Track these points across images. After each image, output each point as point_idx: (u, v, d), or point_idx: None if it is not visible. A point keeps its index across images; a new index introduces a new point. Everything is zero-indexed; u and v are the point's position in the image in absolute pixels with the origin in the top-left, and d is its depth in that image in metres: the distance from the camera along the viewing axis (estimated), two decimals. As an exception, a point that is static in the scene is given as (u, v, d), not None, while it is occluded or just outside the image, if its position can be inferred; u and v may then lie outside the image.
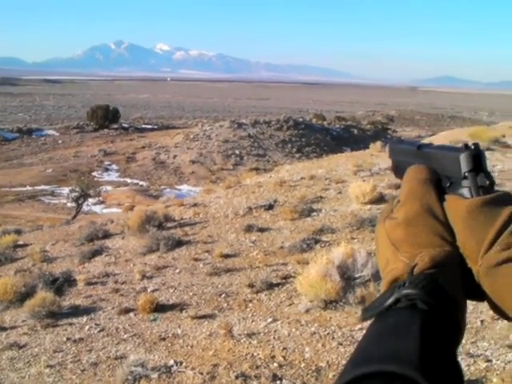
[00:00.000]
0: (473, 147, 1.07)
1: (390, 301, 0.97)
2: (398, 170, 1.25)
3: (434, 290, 0.96)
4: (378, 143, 27.18)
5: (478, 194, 1.05)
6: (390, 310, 0.96)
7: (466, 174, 1.07)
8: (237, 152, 65.51)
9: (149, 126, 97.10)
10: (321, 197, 17.14)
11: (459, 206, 1.05)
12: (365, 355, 0.86)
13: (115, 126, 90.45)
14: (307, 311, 8.85)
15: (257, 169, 53.49)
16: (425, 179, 1.13)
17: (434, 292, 0.97)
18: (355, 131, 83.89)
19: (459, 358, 0.86)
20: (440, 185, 1.12)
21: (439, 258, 0.99)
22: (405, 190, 1.13)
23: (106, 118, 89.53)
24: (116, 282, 12.84)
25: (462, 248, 1.01)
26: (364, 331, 0.92)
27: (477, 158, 1.06)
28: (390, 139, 77.81)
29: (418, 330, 0.86)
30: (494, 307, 0.96)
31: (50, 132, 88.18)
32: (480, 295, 0.98)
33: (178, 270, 12.93)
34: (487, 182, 1.06)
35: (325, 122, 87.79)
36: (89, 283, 13.00)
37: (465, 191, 1.07)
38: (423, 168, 1.15)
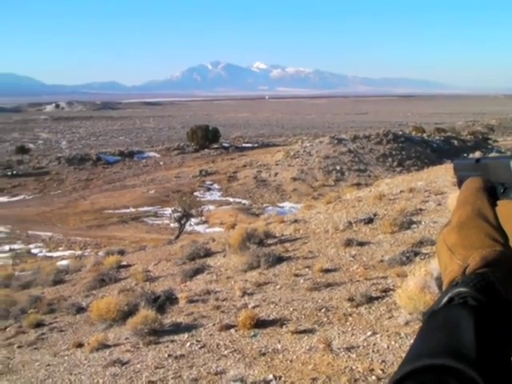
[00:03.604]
0: None
1: (445, 300, 1.01)
2: (461, 184, 1.32)
3: (484, 287, 0.98)
4: (478, 154, 26.65)
5: None
6: (442, 309, 1.00)
7: None
8: (338, 168, 65.27)
9: (249, 145, 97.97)
10: (420, 209, 16.97)
11: (510, 208, 1.13)
12: (415, 352, 0.86)
13: (215, 146, 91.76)
14: (406, 324, 8.79)
15: (358, 184, 53.05)
16: (477, 188, 1.22)
17: (484, 289, 0.99)
18: (455, 142, 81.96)
19: None
20: (494, 192, 1.19)
21: (490, 258, 1.07)
22: (459, 199, 1.24)
23: (206, 138, 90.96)
24: (217, 299, 13.04)
25: None
26: None
27: None
28: (490, 149, 75.63)
29: (467, 325, 0.86)
30: None
31: (151, 154, 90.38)
32: None
33: (278, 286, 13.02)
34: None
35: (424, 135, 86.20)
36: (190, 301, 13.27)
37: None
38: (477, 179, 1.25)
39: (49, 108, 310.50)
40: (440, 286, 8.70)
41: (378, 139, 74.69)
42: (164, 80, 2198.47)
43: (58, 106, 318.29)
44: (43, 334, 13.90)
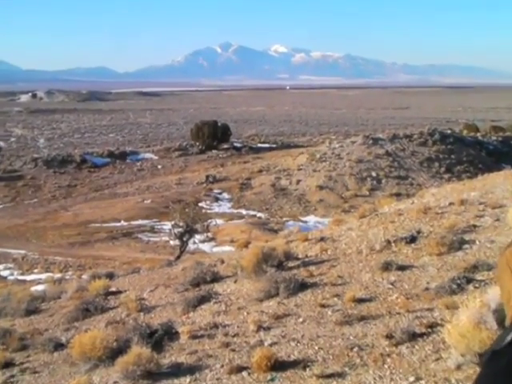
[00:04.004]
0: None
1: (509, 339, 0.98)
2: None
3: None
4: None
5: None
6: (505, 349, 0.96)
7: None
8: (373, 174, 65.40)
9: (266, 145, 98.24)
10: (474, 225, 16.84)
11: None
12: None
13: (225, 146, 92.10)
14: (458, 367, 8.64)
15: (398, 194, 53.10)
16: None
17: None
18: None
19: None
20: None
21: None
22: None
23: (214, 136, 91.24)
24: (226, 334, 12.99)
25: None
26: None
27: None
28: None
29: None
30: None
31: (148, 155, 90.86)
32: None
33: (301, 319, 12.93)
34: None
35: (478, 134, 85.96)
36: (194, 336, 13.22)
37: None
38: None
39: (24, 98, 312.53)
40: (500, 321, 8.60)
41: (421, 139, 74.65)
42: (164, 66, 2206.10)
43: (35, 95, 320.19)
44: (12, 376, 13.78)
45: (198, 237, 37.75)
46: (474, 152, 74.27)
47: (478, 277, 12.86)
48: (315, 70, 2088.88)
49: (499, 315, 8.64)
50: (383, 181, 64.43)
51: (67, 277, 34.71)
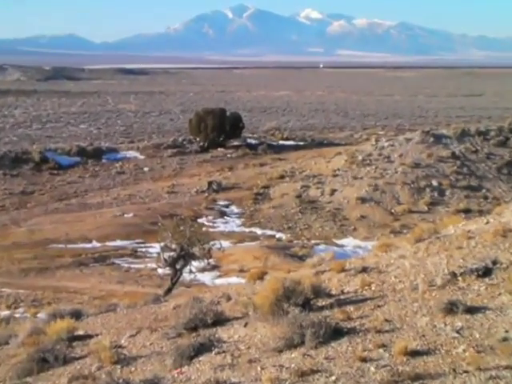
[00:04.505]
0: None
1: None
2: None
3: None
4: None
5: None
6: None
7: None
8: (434, 183, 65.45)
9: (290, 143, 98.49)
10: None
11: None
12: None
13: (236, 144, 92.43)
14: None
15: (467, 210, 52.99)
16: None
17: None
18: None
19: None
20: None
21: None
22: None
23: (220, 130, 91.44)
24: (233, 396, 12.96)
25: None
26: None
27: None
28: None
29: None
30: None
31: (131, 154, 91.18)
32: None
33: (333, 378, 12.82)
34: None
35: None
36: (189, 399, 13.22)
37: None
38: None
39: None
40: None
41: (500, 138, 74.63)
42: (155, 35, 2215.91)
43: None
44: None
45: (195, 264, 36.93)
46: None
47: None
48: (359, 44, 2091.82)
49: None
50: (447, 192, 64.39)
51: (18, 315, 34.80)
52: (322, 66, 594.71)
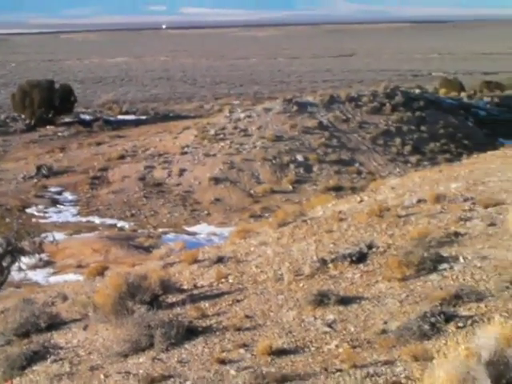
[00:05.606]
0: None
1: None
2: None
3: None
4: None
5: None
6: None
7: None
8: (299, 158, 65.37)
9: (131, 117, 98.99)
10: (456, 233, 16.86)
11: None
12: None
13: (67, 120, 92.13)
14: None
15: (338, 188, 54.56)
16: None
17: None
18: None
19: None
20: None
21: None
22: None
23: (48, 105, 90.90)
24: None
25: None
26: None
27: None
28: None
29: None
30: None
31: None
32: None
33: (188, 383, 12.72)
34: None
35: (463, 94, 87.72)
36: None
37: None
38: None
39: None
40: (496, 378, 8.44)
41: (374, 104, 75.45)
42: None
43: None
44: None
45: (25, 260, 35.04)
46: (456, 121, 75.19)
47: (463, 311, 13.15)
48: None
49: (495, 370, 8.62)
50: (315, 168, 64.06)
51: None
52: (164, 26, 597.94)
